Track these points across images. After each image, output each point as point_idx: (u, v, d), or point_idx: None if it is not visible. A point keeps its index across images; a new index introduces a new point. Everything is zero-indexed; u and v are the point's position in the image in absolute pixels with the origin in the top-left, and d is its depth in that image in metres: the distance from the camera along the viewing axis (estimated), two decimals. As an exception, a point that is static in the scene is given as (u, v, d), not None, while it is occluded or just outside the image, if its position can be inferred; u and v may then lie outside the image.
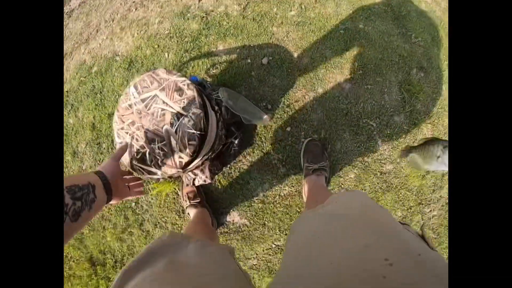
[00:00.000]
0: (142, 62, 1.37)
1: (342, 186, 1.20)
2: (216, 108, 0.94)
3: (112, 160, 0.71)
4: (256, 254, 1.17)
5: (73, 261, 1.35)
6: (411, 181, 1.25)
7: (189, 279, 0.51)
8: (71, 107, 1.40)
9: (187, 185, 1.04)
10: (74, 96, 1.41)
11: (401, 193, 1.25)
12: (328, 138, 1.15)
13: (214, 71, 1.22)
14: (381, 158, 1.23)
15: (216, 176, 1.15)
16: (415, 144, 1.09)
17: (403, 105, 1.28)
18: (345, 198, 0.65)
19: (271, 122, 1.15)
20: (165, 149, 0.82)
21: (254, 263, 1.17)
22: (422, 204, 1.26)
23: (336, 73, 1.22)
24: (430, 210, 1.27)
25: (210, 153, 0.91)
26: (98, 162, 1.36)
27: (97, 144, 1.35)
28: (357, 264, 0.41)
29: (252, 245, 1.16)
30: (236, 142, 1.04)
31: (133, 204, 1.28)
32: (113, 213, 1.31)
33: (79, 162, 1.40)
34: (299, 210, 1.15)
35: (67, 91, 1.43)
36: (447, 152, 0.71)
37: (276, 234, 1.16)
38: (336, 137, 1.16)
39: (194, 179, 1.03)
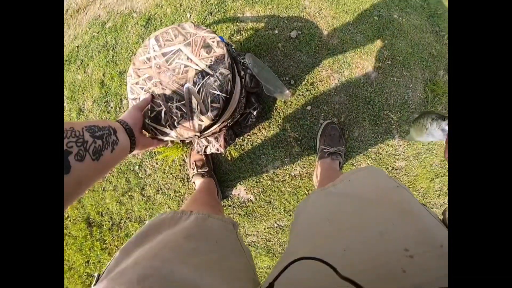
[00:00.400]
0: (161, 20, 1.30)
1: (353, 175, 1.18)
2: (242, 73, 0.88)
3: (135, 110, 0.65)
4: (257, 231, 1.14)
5: (70, 221, 1.32)
6: (419, 182, 1.23)
7: (186, 256, 0.47)
8: (81, 63, 1.35)
9: (198, 152, 1.00)
10: (84, 51, 1.35)
11: (408, 192, 1.23)
12: (348, 123, 1.12)
13: (238, 37, 1.16)
14: (396, 153, 1.20)
15: (228, 147, 1.11)
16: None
17: (425, 104, 1.25)
18: (359, 176, 0.60)
19: (292, 98, 1.10)
20: (184, 110, 0.75)
21: (253, 240, 1.15)
22: (425, 206, 1.25)
23: (364, 59, 1.17)
24: None
25: (229, 120, 0.86)
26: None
27: (104, 102, 1.30)
28: (373, 255, 0.38)
29: (254, 221, 1.13)
30: (254, 113, 1.00)
31: (137, 167, 1.24)
32: (115, 175, 1.28)
33: (84, 120, 1.35)
34: (307, 192, 1.12)
35: (77, 46, 1.37)
36: (434, 123, 0.73)
37: (280, 214, 1.13)
38: (355, 124, 1.12)
39: (206, 147, 0.99)
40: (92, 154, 0.45)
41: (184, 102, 0.76)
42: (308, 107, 1.09)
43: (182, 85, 0.76)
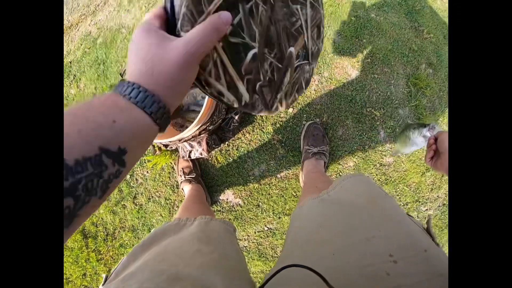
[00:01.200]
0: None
1: (341, 174, 1.18)
2: None
3: (190, 64, 0.31)
4: (248, 235, 1.15)
5: None
6: (410, 177, 1.23)
7: (190, 259, 0.50)
8: (73, 78, 1.40)
9: (183, 157, 1.02)
10: (77, 66, 1.40)
11: (399, 188, 1.23)
12: (330, 123, 1.13)
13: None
14: (382, 149, 1.20)
15: (214, 152, 1.13)
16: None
17: (409, 98, 1.26)
18: (350, 183, 0.62)
19: None
20: (276, 75, 0.44)
21: (245, 245, 1.15)
22: (419, 201, 1.24)
23: (343, 59, 1.20)
24: (426, 209, 1.25)
25: (208, 124, 0.89)
26: None
27: None
28: (360, 257, 0.40)
29: (244, 226, 1.14)
30: (236, 117, 1.02)
31: (128, 176, 1.27)
32: None
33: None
34: (294, 194, 1.13)
35: (70, 62, 1.42)
36: (416, 132, 0.75)
37: (269, 217, 1.14)
38: (338, 123, 1.14)
39: (190, 152, 1.01)
40: (100, 192, 0.29)
41: (282, 65, 0.47)
42: (290, 109, 1.11)
43: (286, 45, 0.48)
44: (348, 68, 1.19)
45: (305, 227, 0.57)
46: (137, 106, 0.29)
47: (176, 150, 1.11)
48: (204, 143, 0.98)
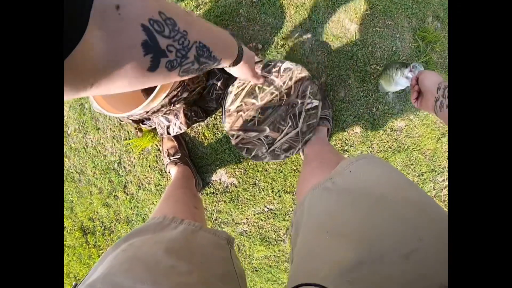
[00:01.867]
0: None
1: (347, 142, 1.05)
2: None
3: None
4: (247, 218, 1.03)
5: (67, 231, 1.33)
6: (424, 143, 1.09)
7: (161, 276, 0.40)
8: None
9: (161, 135, 0.90)
10: None
11: (413, 156, 1.09)
12: (331, 83, 0.99)
13: (198, 12, 1.07)
14: (392, 112, 1.06)
15: (200, 128, 1.01)
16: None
17: (418, 54, 1.10)
18: (361, 166, 0.51)
19: (263, 61, 0.99)
20: None
21: (245, 229, 1.03)
22: (435, 171, 1.10)
23: (339, 11, 1.05)
24: (443, 179, 1.11)
25: (179, 90, 0.76)
26: (82, 125, 1.28)
27: (79, 105, 1.27)
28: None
29: (241, 207, 1.02)
30: (218, 84, 0.89)
31: (116, 165, 1.19)
32: (98, 177, 1.25)
33: (65, 127, 1.34)
34: (295, 168, 1.00)
35: None
36: (398, 73, 0.76)
37: (268, 196, 1.01)
38: (339, 83, 1.00)
39: (168, 127, 0.89)
40: (181, 72, 0.40)
41: (254, 129, 0.86)
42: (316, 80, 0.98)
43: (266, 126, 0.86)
44: (345, 22, 1.05)
45: (307, 235, 0.45)
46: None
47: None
48: (181, 115, 0.85)
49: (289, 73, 0.85)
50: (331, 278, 0.32)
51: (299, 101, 0.84)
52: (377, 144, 1.06)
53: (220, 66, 0.53)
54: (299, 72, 0.85)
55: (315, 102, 0.85)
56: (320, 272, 0.35)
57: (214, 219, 1.05)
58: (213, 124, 1.01)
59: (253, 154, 0.85)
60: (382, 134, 1.06)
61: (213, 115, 1.01)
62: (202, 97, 0.91)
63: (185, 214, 0.66)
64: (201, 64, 0.43)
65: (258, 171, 1.00)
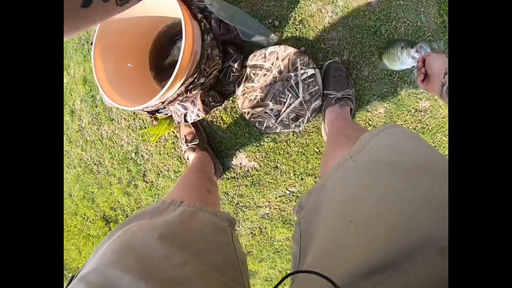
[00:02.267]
0: None
1: (370, 122, 1.01)
2: (200, 16, 0.75)
3: None
4: (268, 202, 1.01)
5: (90, 221, 1.37)
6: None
7: (153, 268, 0.37)
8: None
9: (178, 123, 0.88)
10: (64, 54, 1.35)
11: (437, 138, 1.04)
12: (353, 61, 0.95)
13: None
14: (417, 92, 1.01)
15: (217, 112, 0.98)
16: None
17: (443, 30, 1.04)
18: (385, 139, 0.45)
19: (280, 41, 0.95)
20: None
21: (266, 212, 1.01)
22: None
23: (360, -17, 1.00)
24: None
25: (195, 76, 0.73)
26: (96, 117, 1.28)
27: (91, 97, 1.28)
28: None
29: (263, 191, 1.00)
30: (235, 65, 0.86)
31: (133, 154, 1.18)
32: (116, 167, 1.26)
33: (78, 121, 1.35)
34: (317, 150, 0.97)
35: None
36: (404, 52, 0.75)
37: (291, 179, 0.99)
38: (363, 60, 0.95)
39: (185, 115, 0.87)
40: (119, 1, 0.37)
41: (260, 102, 0.92)
42: (302, 49, 0.94)
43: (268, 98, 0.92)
44: (367, -5, 0.99)
45: (330, 223, 0.40)
46: None
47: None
48: (198, 101, 0.83)
49: (274, 54, 0.89)
50: (348, 279, 0.27)
51: (292, 74, 0.89)
52: (401, 124, 1.02)
53: None
54: (283, 50, 0.89)
55: (310, 71, 0.89)
56: (339, 268, 0.30)
57: (235, 203, 1.04)
58: (231, 107, 0.98)
59: (265, 125, 0.92)
60: (406, 115, 1.01)
61: (231, 98, 0.98)
62: (219, 80, 0.88)
63: (195, 197, 0.63)
64: None
65: (279, 154, 0.97)
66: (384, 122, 1.01)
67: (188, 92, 0.75)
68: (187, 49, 0.65)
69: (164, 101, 0.74)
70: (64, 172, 1.47)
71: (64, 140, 1.45)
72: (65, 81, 1.35)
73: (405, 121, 1.02)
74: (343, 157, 0.46)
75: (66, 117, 1.38)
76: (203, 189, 0.70)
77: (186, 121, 0.87)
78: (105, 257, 0.37)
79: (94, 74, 0.74)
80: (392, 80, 0.98)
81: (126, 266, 0.35)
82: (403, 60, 0.76)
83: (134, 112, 1.16)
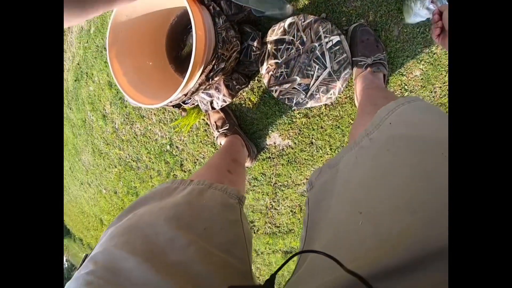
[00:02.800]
0: None
1: (406, 87, 0.95)
2: (207, 0, 0.73)
3: None
4: (306, 179, 1.00)
5: None
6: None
7: (160, 250, 0.37)
8: (87, 76, 1.42)
9: (206, 111, 0.88)
10: (85, 64, 1.42)
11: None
12: (380, 22, 0.89)
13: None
14: (455, 46, 0.94)
15: (245, 94, 0.97)
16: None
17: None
18: (405, 114, 0.41)
19: (296, 11, 0.92)
20: None
21: (305, 189, 1.00)
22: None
23: None
24: None
25: (214, 63, 0.72)
26: (127, 117, 1.33)
27: (119, 99, 1.33)
28: None
29: (300, 169, 0.99)
30: (255, 44, 0.84)
31: (168, 146, 1.22)
32: (154, 161, 1.30)
33: (111, 123, 1.41)
34: (351, 122, 0.94)
35: (78, 63, 1.45)
36: (418, 3, 0.72)
37: (327, 154, 0.96)
38: (391, 20, 0.89)
39: (211, 102, 0.87)
40: None
41: (287, 77, 0.87)
42: (323, 15, 0.90)
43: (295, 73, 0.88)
44: None
45: (339, 211, 0.37)
46: None
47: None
48: (223, 87, 0.82)
49: (294, 25, 0.85)
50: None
51: (316, 44, 0.85)
52: (440, 88, 0.95)
53: None
54: (303, 20, 0.85)
55: (335, 38, 0.84)
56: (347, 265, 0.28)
57: (273, 183, 1.04)
58: (257, 87, 0.97)
59: (294, 101, 0.89)
60: (445, 76, 0.94)
61: (256, 78, 0.97)
62: (240, 62, 0.87)
63: (212, 176, 0.62)
64: None
65: (313, 129, 0.95)
66: (421, 85, 0.95)
67: (210, 80, 0.75)
68: (199, 37, 0.64)
69: (187, 93, 0.74)
70: (106, 172, 1.55)
71: (102, 143, 1.52)
72: (91, 88, 1.42)
73: (444, 83, 0.95)
74: (360, 134, 0.43)
75: (100, 122, 1.45)
76: (223, 169, 0.70)
77: (213, 108, 0.87)
78: (114, 239, 0.38)
79: (114, 78, 0.75)
80: (425, 38, 0.92)
81: (132, 248, 0.36)
82: (417, 11, 0.72)
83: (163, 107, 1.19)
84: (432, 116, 0.39)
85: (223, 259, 0.40)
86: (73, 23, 0.35)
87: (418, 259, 0.23)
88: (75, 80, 1.50)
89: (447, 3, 0.62)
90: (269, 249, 1.18)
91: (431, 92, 0.95)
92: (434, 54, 0.93)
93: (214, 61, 0.72)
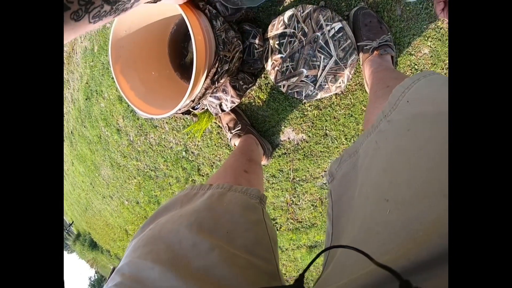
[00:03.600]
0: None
1: (416, 67, 0.93)
2: (202, 4, 0.73)
3: None
4: (324, 171, 0.99)
5: None
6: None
7: (182, 255, 0.37)
8: (96, 93, 1.46)
9: (216, 114, 0.88)
10: (93, 83, 1.45)
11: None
12: (381, 2, 0.87)
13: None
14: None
15: (253, 92, 0.97)
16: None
17: None
18: (422, 89, 0.38)
19: (294, 2, 0.90)
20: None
21: (324, 182, 1.00)
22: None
23: None
24: None
25: (217, 65, 0.72)
26: (140, 128, 1.35)
27: (130, 113, 1.36)
28: None
29: (317, 161, 0.98)
30: (256, 41, 0.83)
31: (184, 153, 1.23)
32: (171, 168, 1.33)
33: (125, 136, 1.43)
34: (364, 109, 0.92)
35: (86, 82, 1.49)
36: None
37: (343, 144, 0.95)
38: (392, -1, 0.88)
39: (220, 105, 0.87)
40: (91, 18, 0.39)
41: (293, 71, 0.87)
42: (322, 3, 0.88)
43: (301, 66, 0.87)
44: None
45: (364, 201, 0.35)
46: None
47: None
48: (229, 88, 0.82)
49: (294, 17, 0.84)
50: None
51: (318, 34, 0.83)
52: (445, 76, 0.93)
53: (142, 2, 0.47)
54: (302, 10, 0.83)
55: (337, 25, 0.83)
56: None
57: (291, 178, 1.04)
58: (265, 84, 0.96)
59: (304, 94, 0.89)
60: (455, 48, 0.91)
61: (263, 75, 0.97)
62: (244, 61, 0.86)
63: (229, 178, 0.62)
64: (113, 4, 0.40)
65: (326, 120, 0.94)
66: (431, 63, 0.92)
67: (216, 83, 0.75)
68: (198, 42, 0.64)
69: (194, 99, 0.74)
70: (126, 183, 1.58)
71: (119, 155, 1.56)
72: (102, 105, 1.45)
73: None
74: (377, 116, 0.41)
75: (115, 136, 1.48)
76: (240, 170, 0.70)
77: (222, 110, 0.88)
78: (138, 250, 0.39)
79: (122, 93, 0.76)
80: (429, 13, 0.89)
81: (156, 257, 0.36)
82: None
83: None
84: (446, 89, 0.36)
85: (247, 260, 0.40)
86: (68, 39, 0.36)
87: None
88: (86, 99, 1.53)
89: None
90: (294, 245, 1.19)
91: (443, 69, 0.92)
92: (441, 29, 0.90)
93: (217, 64, 0.72)
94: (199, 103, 0.87)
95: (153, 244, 0.40)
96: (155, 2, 0.53)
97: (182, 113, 0.85)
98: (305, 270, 0.28)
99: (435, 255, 0.21)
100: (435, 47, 0.91)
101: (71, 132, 1.82)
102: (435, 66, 0.92)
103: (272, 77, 0.90)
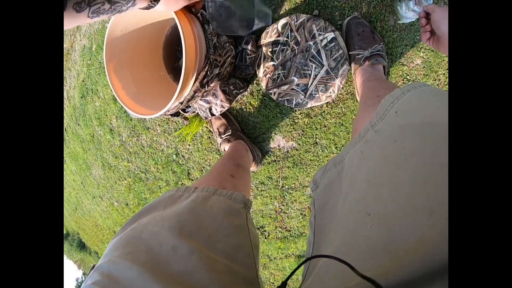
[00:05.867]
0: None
1: (408, 77, 0.93)
2: (193, 10, 0.74)
3: None
4: (314, 179, 0.98)
5: None
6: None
7: (162, 259, 0.37)
8: (92, 92, 1.46)
9: (206, 118, 0.88)
10: (90, 81, 1.45)
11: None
12: (374, 12, 0.87)
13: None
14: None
15: (244, 98, 0.97)
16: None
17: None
18: (411, 101, 0.38)
19: (288, 5, 0.90)
20: None
21: (310, 188, 0.99)
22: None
23: None
24: None
25: (207, 68, 0.72)
26: (132, 129, 1.34)
27: (124, 113, 1.36)
28: None
29: (307, 170, 0.97)
30: (249, 47, 0.83)
31: (174, 156, 1.22)
32: (162, 171, 1.31)
33: (118, 136, 1.42)
34: (354, 118, 0.92)
35: (83, 80, 1.49)
36: (403, 6, 0.73)
37: (333, 153, 0.95)
38: (384, 9, 0.87)
39: (210, 109, 0.87)
40: (91, 13, 0.42)
41: (284, 79, 0.87)
42: (315, 12, 0.88)
43: (292, 74, 0.87)
44: None
45: (347, 212, 0.35)
46: None
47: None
48: (219, 93, 0.82)
49: (287, 26, 0.84)
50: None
51: (311, 43, 0.83)
52: (444, 74, 0.92)
53: (137, 7, 0.50)
54: (295, 19, 0.84)
55: (329, 35, 0.83)
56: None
57: (281, 186, 1.03)
58: (257, 90, 0.96)
59: (294, 103, 0.88)
60: (447, 61, 0.91)
61: (255, 81, 0.96)
62: (236, 66, 0.86)
63: (215, 182, 0.61)
64: (113, 4, 0.43)
65: (316, 128, 0.94)
66: (424, 74, 0.92)
67: (206, 86, 0.75)
68: (188, 45, 0.64)
69: (183, 101, 0.74)
70: (117, 184, 1.57)
71: (110, 156, 1.54)
72: (97, 104, 1.45)
73: (447, 69, 0.93)
74: (365, 126, 0.40)
75: (107, 136, 1.47)
76: (226, 174, 0.69)
77: (212, 114, 0.87)
78: (118, 249, 0.39)
79: (114, 92, 0.76)
80: (424, 25, 0.89)
81: (136, 258, 0.36)
82: (404, 14, 0.73)
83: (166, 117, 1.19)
84: (441, 101, 0.34)
85: (227, 265, 0.39)
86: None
87: (440, 270, 0.20)
88: (81, 97, 1.52)
89: (431, 2, 0.61)
90: (282, 253, 1.17)
91: (435, 80, 0.92)
92: (435, 41, 0.90)
93: (207, 68, 0.72)
94: (189, 106, 0.87)
95: (133, 244, 0.39)
96: (148, 9, 0.54)
97: (171, 115, 0.85)
98: (287, 279, 0.29)
99: (415, 276, 0.21)
100: (427, 58, 0.91)
101: (65, 130, 1.81)
102: (427, 77, 0.92)
103: (263, 84, 0.89)
